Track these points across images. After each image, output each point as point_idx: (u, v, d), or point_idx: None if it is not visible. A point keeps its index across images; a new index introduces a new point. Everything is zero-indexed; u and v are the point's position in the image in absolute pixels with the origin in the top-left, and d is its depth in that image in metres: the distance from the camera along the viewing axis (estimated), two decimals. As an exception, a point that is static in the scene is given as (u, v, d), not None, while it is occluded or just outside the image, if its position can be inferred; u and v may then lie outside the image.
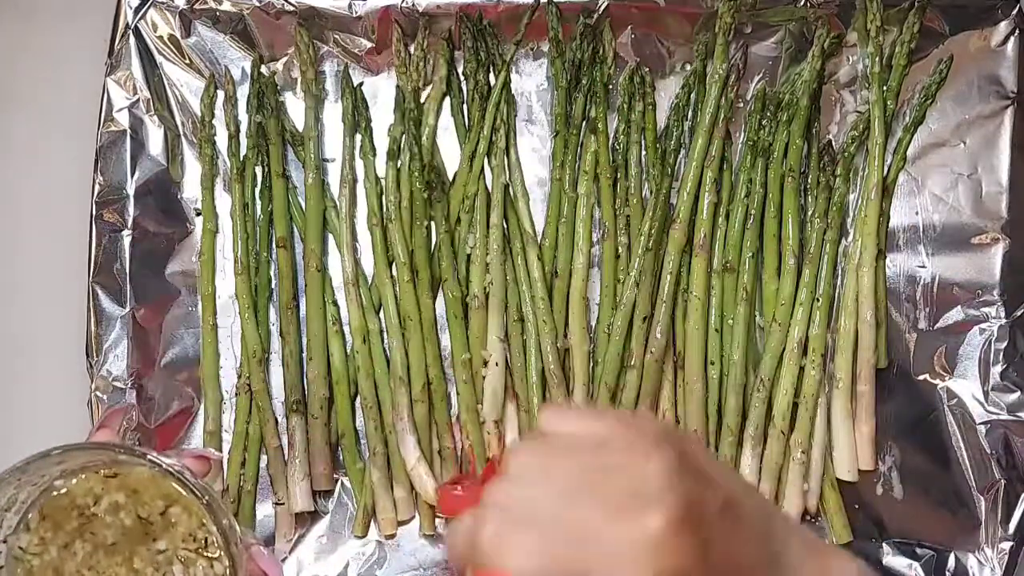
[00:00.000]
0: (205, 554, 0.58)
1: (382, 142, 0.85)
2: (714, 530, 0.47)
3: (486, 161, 0.84)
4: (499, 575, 0.47)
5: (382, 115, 0.86)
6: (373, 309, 0.83)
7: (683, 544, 0.46)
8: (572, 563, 0.46)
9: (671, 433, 0.49)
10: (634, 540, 0.45)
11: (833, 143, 0.84)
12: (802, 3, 0.84)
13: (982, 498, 0.79)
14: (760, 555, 0.49)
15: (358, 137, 0.86)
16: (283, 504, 0.82)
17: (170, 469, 0.55)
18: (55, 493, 0.58)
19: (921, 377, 0.82)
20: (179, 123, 0.87)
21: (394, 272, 0.83)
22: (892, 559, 0.80)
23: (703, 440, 0.79)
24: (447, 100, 0.86)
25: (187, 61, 0.87)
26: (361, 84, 0.86)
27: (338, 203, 0.84)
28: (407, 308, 0.82)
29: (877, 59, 0.83)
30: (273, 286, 0.85)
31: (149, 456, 0.55)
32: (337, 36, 0.87)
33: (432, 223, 0.84)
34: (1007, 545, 0.78)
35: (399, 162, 0.85)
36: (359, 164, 0.85)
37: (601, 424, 0.50)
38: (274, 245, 0.85)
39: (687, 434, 0.51)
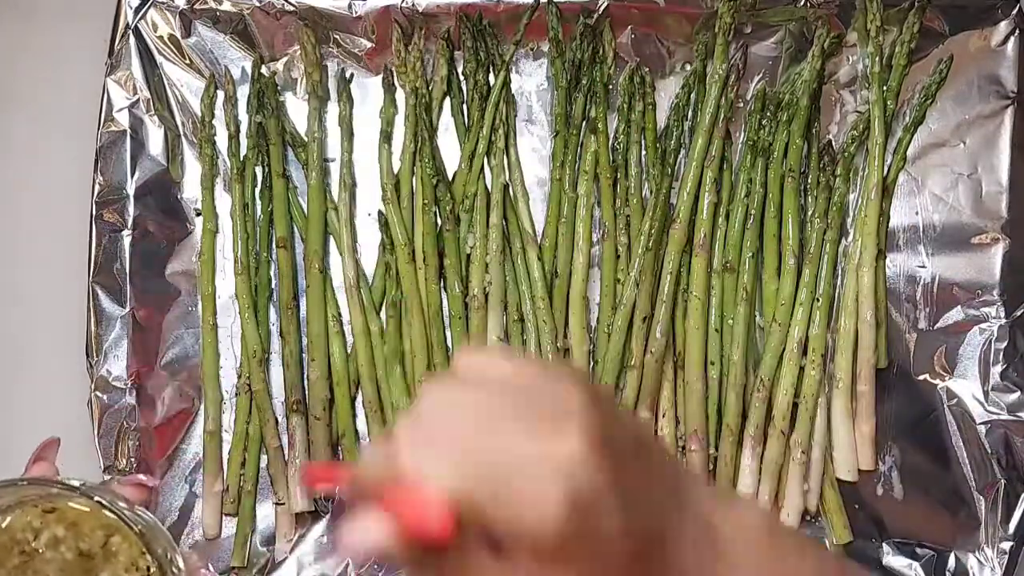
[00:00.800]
0: None
1: (373, 138, 0.86)
2: (627, 461, 0.48)
3: (486, 161, 0.85)
4: (415, 493, 0.46)
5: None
6: (374, 309, 0.84)
7: (598, 466, 0.46)
8: (490, 479, 0.46)
9: (586, 377, 0.50)
10: (550, 459, 0.46)
11: (833, 143, 0.84)
12: (802, 3, 0.84)
13: (982, 498, 0.79)
14: (668, 497, 0.51)
15: (354, 137, 0.86)
16: (283, 504, 0.82)
17: (102, 501, 0.54)
18: None
19: (921, 377, 0.82)
20: (179, 123, 0.86)
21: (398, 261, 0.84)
22: (892, 559, 0.80)
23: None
24: (447, 100, 0.86)
25: (187, 61, 0.87)
26: (351, 77, 0.86)
27: (338, 204, 0.84)
28: (411, 293, 0.83)
29: (877, 59, 0.83)
30: (273, 286, 0.85)
31: (82, 489, 0.54)
32: (337, 36, 0.87)
33: (438, 213, 0.84)
34: (1007, 545, 0.78)
35: (398, 149, 0.85)
36: (358, 163, 0.86)
37: (516, 362, 0.50)
38: (274, 245, 0.85)
39: (600, 384, 0.55)
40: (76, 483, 0.55)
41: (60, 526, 0.57)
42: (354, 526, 0.49)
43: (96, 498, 0.54)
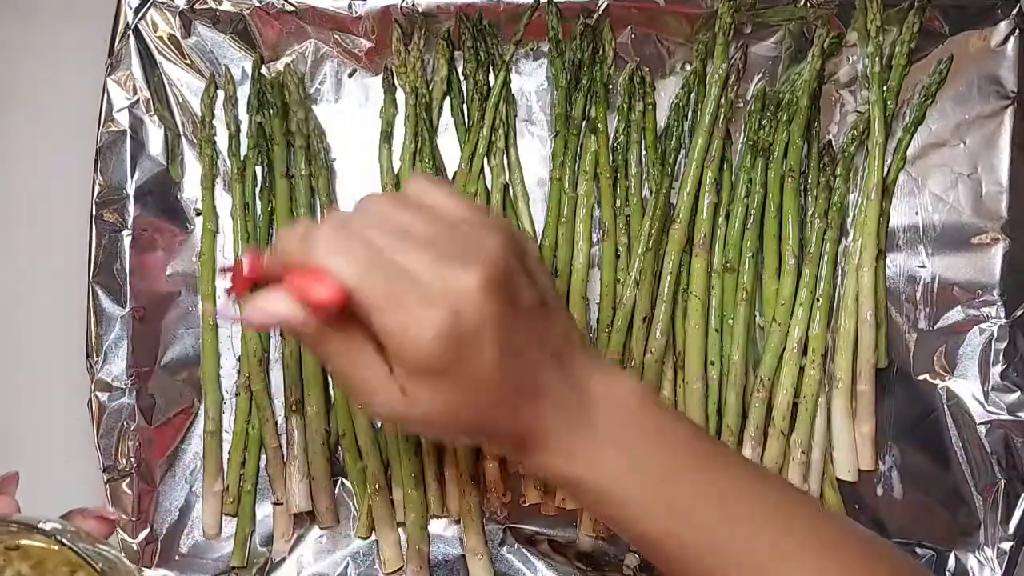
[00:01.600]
0: None
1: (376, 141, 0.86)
2: (521, 313, 0.52)
3: (486, 161, 0.85)
4: (319, 275, 0.50)
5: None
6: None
7: (485, 307, 0.50)
8: (385, 290, 0.50)
9: (517, 234, 0.55)
10: (443, 289, 0.50)
11: (833, 143, 0.84)
12: (802, 3, 0.85)
13: (982, 498, 0.79)
14: (551, 357, 0.55)
15: (351, 134, 0.86)
16: (281, 504, 0.82)
17: (62, 540, 0.54)
18: None
19: (921, 377, 0.82)
20: (179, 123, 0.87)
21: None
22: (892, 559, 0.80)
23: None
24: (447, 100, 0.87)
25: (187, 61, 0.87)
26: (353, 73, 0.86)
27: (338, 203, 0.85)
28: None
29: (877, 59, 0.83)
30: (273, 286, 0.85)
31: (41, 527, 0.54)
32: (337, 36, 0.87)
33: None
34: (1007, 545, 0.78)
35: (399, 149, 0.85)
36: (359, 163, 0.86)
37: (459, 201, 0.54)
38: (274, 245, 0.85)
39: (529, 240, 0.58)
40: (36, 520, 0.54)
41: (24, 563, 0.55)
42: (256, 300, 0.53)
43: (57, 537, 0.54)
